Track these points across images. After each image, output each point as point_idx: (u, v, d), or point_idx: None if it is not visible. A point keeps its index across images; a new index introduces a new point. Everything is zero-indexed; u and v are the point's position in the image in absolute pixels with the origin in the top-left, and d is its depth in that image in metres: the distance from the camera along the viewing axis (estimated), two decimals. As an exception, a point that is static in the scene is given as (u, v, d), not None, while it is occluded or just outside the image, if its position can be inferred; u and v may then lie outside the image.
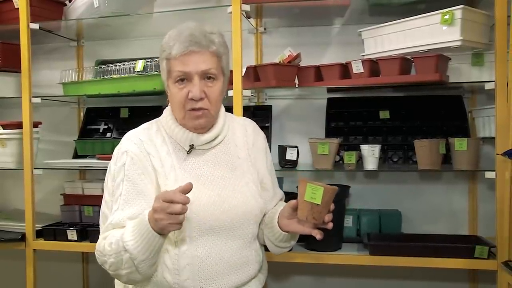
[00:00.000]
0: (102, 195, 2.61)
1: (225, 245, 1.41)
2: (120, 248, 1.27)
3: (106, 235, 1.33)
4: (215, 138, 1.47)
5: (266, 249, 1.58)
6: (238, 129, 1.56)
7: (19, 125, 2.49)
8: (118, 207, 1.35)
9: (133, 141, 1.42)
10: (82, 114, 2.90)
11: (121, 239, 1.27)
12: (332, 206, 1.36)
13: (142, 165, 1.39)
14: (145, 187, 1.38)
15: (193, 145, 1.44)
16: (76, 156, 2.72)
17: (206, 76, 1.38)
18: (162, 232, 1.25)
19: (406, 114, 2.41)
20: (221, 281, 1.39)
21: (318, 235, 1.36)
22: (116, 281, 1.52)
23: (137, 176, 1.37)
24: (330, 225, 1.36)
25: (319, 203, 1.31)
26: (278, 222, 1.45)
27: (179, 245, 1.37)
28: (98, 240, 1.36)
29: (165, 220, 1.20)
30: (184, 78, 1.37)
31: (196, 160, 1.45)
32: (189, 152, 1.45)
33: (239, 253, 1.43)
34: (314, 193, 1.32)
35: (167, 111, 1.49)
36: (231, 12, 2.16)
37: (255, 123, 1.64)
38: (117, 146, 1.45)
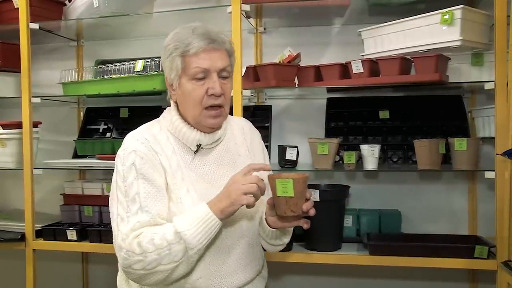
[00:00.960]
0: (102, 195, 2.61)
1: (233, 243, 1.42)
2: (170, 241, 1.27)
3: (137, 233, 1.30)
4: (219, 138, 1.49)
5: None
6: (236, 128, 1.58)
7: (19, 125, 2.49)
8: (140, 205, 1.33)
9: (139, 140, 1.41)
10: (82, 114, 2.90)
11: (173, 231, 1.28)
12: (308, 194, 1.36)
13: (152, 164, 1.38)
14: (161, 184, 1.38)
15: (200, 144, 1.45)
16: (75, 156, 2.72)
17: (222, 74, 1.40)
18: (233, 206, 1.29)
19: (406, 114, 2.41)
20: (231, 278, 1.41)
21: (304, 224, 1.37)
22: (119, 281, 1.52)
23: (150, 174, 1.36)
24: (312, 212, 1.36)
25: (293, 195, 1.31)
26: (266, 220, 1.45)
27: None
28: (126, 242, 1.29)
29: (240, 190, 1.28)
30: (203, 76, 1.38)
31: (200, 159, 1.46)
32: (196, 152, 1.45)
33: (246, 250, 1.45)
34: (285, 187, 1.32)
35: (170, 112, 1.48)
36: (231, 12, 2.16)
37: (249, 122, 1.66)
38: (121, 147, 1.42)
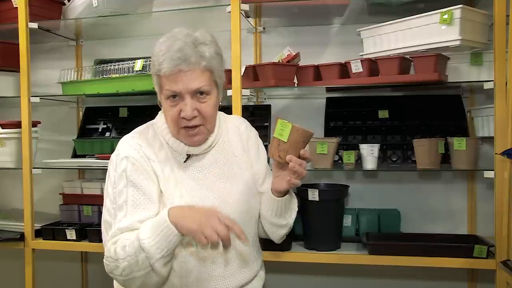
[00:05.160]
0: (102, 194, 2.60)
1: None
2: (136, 249, 1.24)
3: (116, 239, 1.30)
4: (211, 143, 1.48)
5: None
6: (232, 128, 1.56)
7: (18, 125, 2.48)
8: (126, 213, 1.32)
9: (132, 146, 1.40)
10: (81, 114, 2.90)
11: (136, 239, 1.25)
12: (303, 151, 1.33)
13: (144, 170, 1.37)
14: (151, 191, 1.36)
15: (190, 154, 1.44)
16: (75, 155, 2.72)
17: (199, 92, 1.35)
18: (193, 234, 1.21)
19: (405, 114, 2.41)
20: (227, 281, 1.40)
21: (291, 180, 1.34)
22: (115, 283, 1.52)
23: (141, 181, 1.35)
24: (291, 165, 1.31)
25: (285, 141, 1.29)
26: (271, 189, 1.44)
27: (185, 248, 1.36)
28: (106, 247, 1.32)
29: (211, 227, 1.19)
30: (176, 96, 1.35)
31: (194, 163, 1.45)
32: (186, 161, 1.44)
33: (243, 251, 1.44)
34: (282, 130, 1.29)
35: (162, 118, 1.47)
36: (230, 12, 2.16)
37: (247, 121, 1.64)
38: (114, 153, 1.42)
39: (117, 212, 1.33)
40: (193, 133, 1.39)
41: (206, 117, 1.38)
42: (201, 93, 1.35)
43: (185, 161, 1.44)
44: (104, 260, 1.32)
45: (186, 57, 1.31)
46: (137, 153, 1.39)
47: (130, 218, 1.31)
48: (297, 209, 1.54)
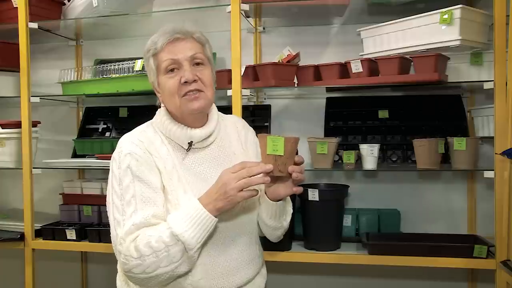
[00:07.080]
0: (101, 194, 2.61)
1: (233, 243, 1.43)
2: (167, 243, 1.27)
3: (134, 237, 1.30)
4: (210, 134, 1.48)
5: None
6: (229, 126, 1.58)
7: (18, 125, 2.48)
8: (137, 208, 1.32)
9: (134, 143, 1.41)
10: (81, 114, 2.90)
11: (170, 233, 1.27)
12: (297, 158, 1.37)
13: (148, 165, 1.38)
14: (158, 185, 1.38)
15: (191, 142, 1.45)
16: (75, 155, 2.72)
17: (195, 62, 1.42)
18: (231, 204, 1.31)
19: (405, 114, 2.41)
20: (232, 278, 1.41)
21: (298, 190, 1.39)
22: (118, 281, 1.51)
23: (146, 176, 1.36)
24: (294, 175, 1.35)
25: (282, 154, 1.32)
26: (265, 192, 1.46)
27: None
28: (124, 246, 1.30)
29: (236, 188, 1.28)
30: (174, 68, 1.40)
31: (194, 158, 1.46)
32: (188, 149, 1.45)
33: (246, 249, 1.46)
34: (276, 145, 1.33)
35: (160, 113, 1.49)
36: (230, 12, 2.16)
37: (243, 120, 1.66)
38: (116, 151, 1.42)
39: (126, 208, 1.33)
40: (195, 96, 1.41)
41: (205, 83, 1.42)
42: (197, 64, 1.42)
43: (188, 149, 1.44)
44: (121, 259, 1.31)
45: (180, 29, 1.42)
46: (140, 149, 1.40)
47: (142, 213, 1.32)
48: (292, 211, 1.57)
